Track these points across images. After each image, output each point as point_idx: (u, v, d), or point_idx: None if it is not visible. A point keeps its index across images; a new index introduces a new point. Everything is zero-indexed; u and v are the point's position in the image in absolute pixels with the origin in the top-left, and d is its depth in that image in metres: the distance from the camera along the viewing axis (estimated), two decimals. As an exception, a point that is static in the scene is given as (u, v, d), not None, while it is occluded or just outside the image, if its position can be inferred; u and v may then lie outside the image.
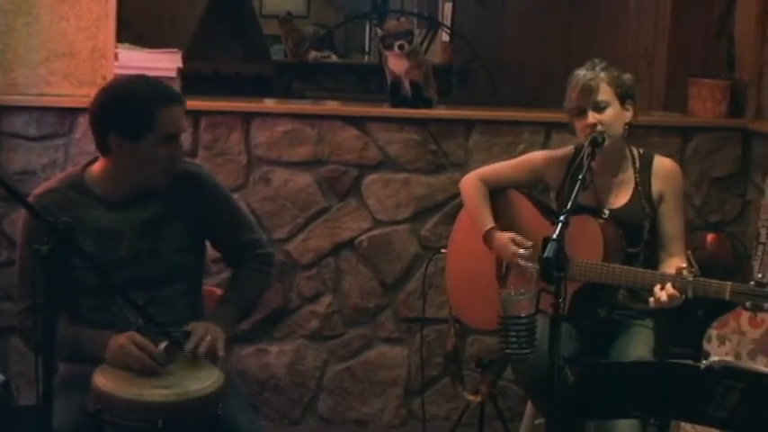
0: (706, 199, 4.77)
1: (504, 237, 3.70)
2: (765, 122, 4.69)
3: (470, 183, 3.85)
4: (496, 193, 3.81)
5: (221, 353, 3.13)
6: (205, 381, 2.99)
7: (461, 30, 8.90)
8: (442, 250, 4.05)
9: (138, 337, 3.02)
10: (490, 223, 3.75)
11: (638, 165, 3.65)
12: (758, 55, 4.75)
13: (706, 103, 4.85)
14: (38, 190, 3.25)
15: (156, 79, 3.22)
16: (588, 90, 3.52)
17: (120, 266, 3.17)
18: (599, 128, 3.48)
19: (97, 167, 3.22)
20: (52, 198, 3.18)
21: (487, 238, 3.74)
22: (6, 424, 3.89)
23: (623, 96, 3.57)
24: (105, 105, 3.14)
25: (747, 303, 3.16)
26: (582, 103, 3.53)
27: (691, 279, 3.26)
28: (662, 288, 3.27)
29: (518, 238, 3.67)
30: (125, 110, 3.10)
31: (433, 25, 9.21)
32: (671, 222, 3.61)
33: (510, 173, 3.82)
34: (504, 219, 3.77)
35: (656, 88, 5.30)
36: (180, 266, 3.27)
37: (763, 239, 4.20)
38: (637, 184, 3.63)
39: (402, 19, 4.88)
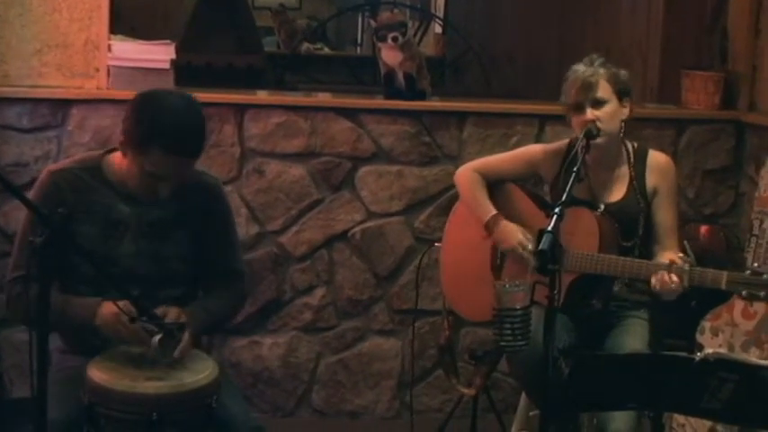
0: (699, 191, 4.78)
1: (513, 226, 3.69)
2: (758, 114, 4.69)
3: (466, 174, 3.84)
4: (492, 185, 3.81)
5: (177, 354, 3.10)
6: (199, 373, 2.99)
7: (454, 22, 8.90)
8: (436, 243, 4.04)
9: (131, 308, 2.99)
10: (493, 210, 3.74)
11: (632, 159, 3.65)
12: (751, 47, 4.76)
13: (699, 95, 4.85)
14: (54, 166, 3.25)
15: (194, 119, 3.13)
16: (588, 86, 3.52)
17: (117, 260, 3.16)
18: (597, 124, 3.49)
19: (116, 156, 3.21)
20: (66, 178, 3.18)
21: (491, 224, 3.73)
22: (0, 416, 3.89)
23: (621, 93, 3.57)
24: (131, 106, 3.13)
25: (743, 292, 3.17)
26: (581, 99, 3.53)
27: (687, 268, 3.27)
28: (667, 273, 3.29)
29: (526, 232, 3.66)
30: (135, 125, 3.07)
31: (425, 17, 9.21)
32: (664, 216, 3.62)
33: (505, 165, 3.82)
34: (500, 211, 3.76)
35: (650, 81, 5.31)
36: (176, 273, 3.25)
37: (756, 231, 4.20)
38: (631, 179, 3.63)
39: (395, 11, 4.88)
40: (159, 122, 3.06)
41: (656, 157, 3.67)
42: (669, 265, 3.30)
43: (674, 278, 3.27)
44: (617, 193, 3.64)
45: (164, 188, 3.14)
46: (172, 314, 3.07)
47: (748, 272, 3.18)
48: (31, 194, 3.19)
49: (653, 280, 3.32)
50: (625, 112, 3.59)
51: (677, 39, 5.19)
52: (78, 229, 3.10)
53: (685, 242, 3.95)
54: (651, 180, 3.63)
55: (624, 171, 3.65)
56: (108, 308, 3.04)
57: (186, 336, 3.05)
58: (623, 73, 3.62)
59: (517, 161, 3.81)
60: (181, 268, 3.26)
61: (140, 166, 3.09)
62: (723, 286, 3.22)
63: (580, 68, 3.58)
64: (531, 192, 3.84)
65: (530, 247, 3.60)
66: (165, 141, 3.05)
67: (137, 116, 3.08)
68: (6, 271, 3.23)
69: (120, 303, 3.00)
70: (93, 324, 3.05)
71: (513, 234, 3.67)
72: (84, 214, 3.14)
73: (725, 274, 3.22)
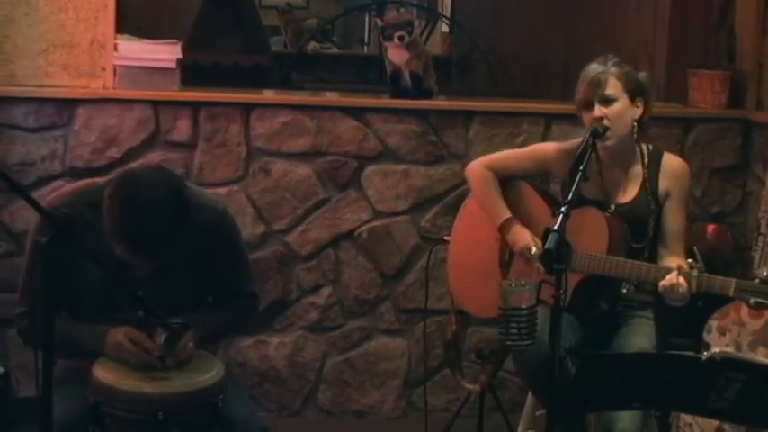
0: (706, 190, 4.77)
1: (523, 230, 3.68)
2: (766, 113, 4.68)
3: (477, 171, 3.82)
4: (502, 182, 3.80)
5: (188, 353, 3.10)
6: (205, 373, 3.00)
7: (461, 20, 8.89)
8: (446, 237, 4.04)
9: (135, 333, 3.01)
10: (507, 213, 3.73)
11: (646, 161, 3.63)
12: (758, 45, 4.75)
13: (706, 94, 4.84)
14: (55, 199, 3.17)
15: (162, 223, 2.98)
16: (596, 83, 3.51)
17: (118, 282, 3.12)
18: (605, 122, 3.48)
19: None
20: (66, 216, 3.10)
21: (505, 227, 3.72)
22: (6, 415, 3.90)
23: (633, 92, 3.54)
24: (108, 191, 3.02)
25: (751, 301, 3.15)
26: (589, 96, 3.52)
27: (695, 274, 3.25)
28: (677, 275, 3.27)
29: (534, 237, 3.65)
30: (106, 215, 3.00)
31: (432, 16, 9.20)
32: (673, 220, 3.60)
33: (517, 162, 3.81)
34: (511, 208, 3.75)
35: (657, 79, 5.29)
36: (180, 303, 3.21)
37: (763, 230, 4.19)
38: (644, 180, 3.61)
39: (402, 10, 4.86)
40: (125, 232, 2.97)
41: (670, 161, 3.65)
42: (678, 270, 3.29)
43: (683, 281, 3.26)
44: (629, 193, 3.62)
45: (142, 268, 3.10)
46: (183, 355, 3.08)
47: (757, 280, 3.15)
48: (31, 231, 3.17)
49: (662, 283, 3.31)
50: (637, 111, 3.56)
51: (684, 37, 5.18)
52: (78, 262, 3.01)
53: (694, 248, 3.93)
54: (664, 183, 3.61)
55: (638, 172, 3.64)
56: (114, 336, 3.04)
57: (189, 338, 3.05)
58: (642, 74, 3.60)
59: (529, 159, 3.80)
60: (185, 299, 3.23)
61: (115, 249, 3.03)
62: (731, 293, 3.20)
63: (592, 66, 3.57)
64: (542, 190, 3.83)
65: (533, 251, 3.59)
66: (126, 248, 2.99)
67: (109, 213, 2.99)
68: (9, 273, 3.22)
69: (123, 331, 3.02)
70: (102, 353, 3.05)
71: (522, 237, 3.66)
72: (85, 255, 3.09)
73: (733, 281, 3.20)
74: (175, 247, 3.02)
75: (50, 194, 3.17)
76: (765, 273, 3.18)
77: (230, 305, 3.37)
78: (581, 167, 3.25)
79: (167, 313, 3.08)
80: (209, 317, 3.27)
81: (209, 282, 3.33)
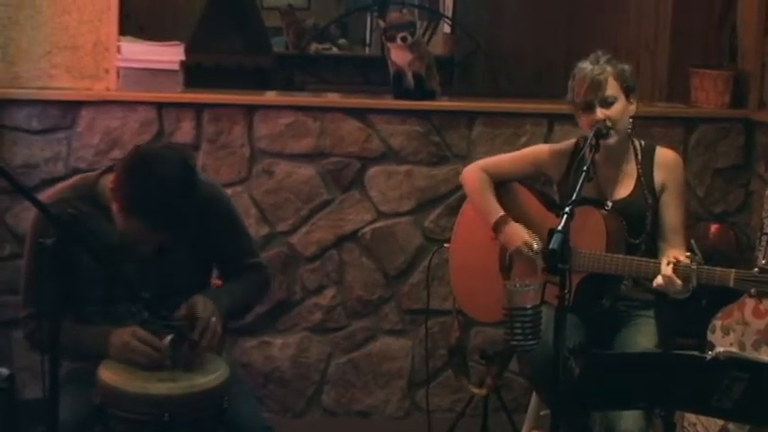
0: (709, 190, 4.77)
1: (519, 227, 3.69)
2: (768, 113, 4.69)
3: (472, 173, 3.84)
4: (499, 185, 3.81)
5: (219, 329, 3.10)
6: (211, 374, 2.99)
7: (462, 21, 8.90)
8: (446, 245, 4.04)
9: (141, 332, 3.01)
10: (500, 211, 3.74)
11: (640, 156, 3.64)
12: (761, 45, 4.75)
13: (709, 93, 4.84)
14: (51, 197, 3.15)
15: (178, 196, 2.99)
16: (597, 85, 3.50)
17: (123, 282, 3.11)
18: (607, 123, 3.48)
19: (112, 179, 3.11)
20: (62, 210, 3.10)
21: (499, 225, 3.73)
22: (11, 417, 3.90)
23: (628, 90, 3.56)
24: (122, 167, 3.03)
25: (752, 290, 3.16)
26: (590, 99, 3.52)
27: (694, 267, 3.26)
28: (668, 263, 3.27)
29: (531, 233, 3.66)
30: (122, 191, 3.00)
31: (434, 17, 9.20)
32: (671, 213, 3.61)
33: (512, 165, 3.82)
34: (507, 211, 3.76)
35: (659, 79, 5.30)
36: (182, 288, 3.19)
37: (766, 230, 4.19)
38: (639, 176, 3.62)
39: (404, 10, 4.85)
40: (142, 200, 2.97)
41: (663, 154, 3.66)
42: (676, 264, 3.29)
43: (675, 275, 3.26)
44: (624, 189, 3.63)
45: (145, 247, 3.10)
46: (182, 310, 3.06)
47: (756, 269, 3.17)
48: (30, 230, 3.16)
49: (656, 282, 3.31)
50: (632, 109, 3.59)
51: (686, 37, 5.18)
52: (79, 257, 2.92)
53: (692, 241, 3.94)
54: (659, 176, 3.62)
55: (632, 168, 3.65)
56: (120, 336, 3.04)
57: (212, 326, 3.06)
58: (627, 68, 3.61)
59: (524, 161, 3.81)
60: (187, 283, 3.22)
61: (124, 224, 3.04)
62: (731, 284, 3.21)
63: (587, 66, 3.56)
64: (538, 191, 3.84)
65: (535, 246, 3.61)
66: (146, 220, 2.98)
67: (124, 184, 3.00)
68: (13, 275, 3.21)
69: (129, 330, 3.02)
70: (107, 355, 3.04)
71: (519, 235, 3.67)
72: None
73: (732, 272, 3.21)
74: (185, 220, 3.04)
75: (44, 194, 3.15)
76: (764, 262, 3.19)
77: (247, 278, 3.37)
78: (585, 168, 3.25)
79: (171, 300, 3.09)
80: (232, 289, 3.28)
81: (214, 258, 3.33)
